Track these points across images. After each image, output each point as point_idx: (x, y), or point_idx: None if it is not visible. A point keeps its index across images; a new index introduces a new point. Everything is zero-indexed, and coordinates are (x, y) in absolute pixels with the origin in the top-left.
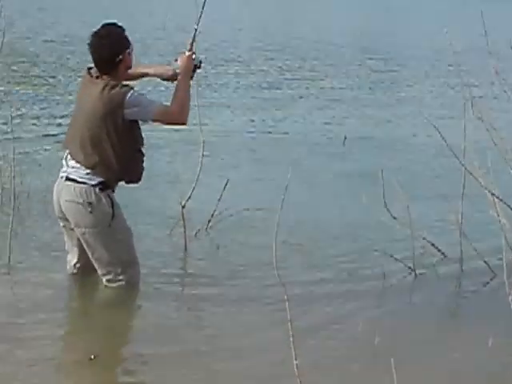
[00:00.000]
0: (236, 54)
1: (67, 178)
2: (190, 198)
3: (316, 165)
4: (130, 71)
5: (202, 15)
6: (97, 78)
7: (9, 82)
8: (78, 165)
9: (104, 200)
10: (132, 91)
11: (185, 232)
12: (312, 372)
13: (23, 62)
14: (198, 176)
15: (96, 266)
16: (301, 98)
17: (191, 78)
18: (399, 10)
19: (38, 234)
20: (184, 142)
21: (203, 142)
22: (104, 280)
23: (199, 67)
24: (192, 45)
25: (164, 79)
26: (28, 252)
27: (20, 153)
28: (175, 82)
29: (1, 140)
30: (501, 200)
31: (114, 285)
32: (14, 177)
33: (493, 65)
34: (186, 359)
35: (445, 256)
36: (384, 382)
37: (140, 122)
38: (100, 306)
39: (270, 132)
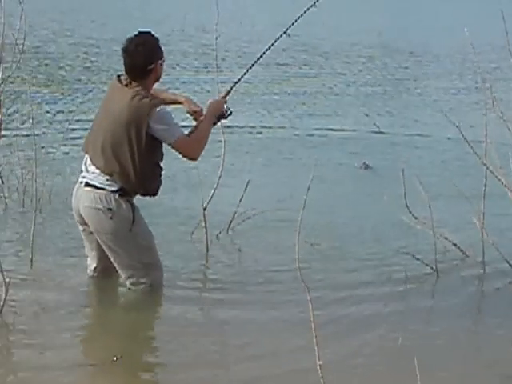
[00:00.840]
0: (255, 50)
1: (87, 184)
2: (211, 199)
3: (338, 164)
4: (162, 94)
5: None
6: (126, 85)
7: (33, 85)
8: (98, 171)
9: (124, 206)
10: (163, 107)
11: (206, 234)
12: (335, 373)
13: (46, 64)
14: (220, 177)
15: (118, 269)
16: (323, 95)
17: (214, 124)
18: (416, 9)
19: (60, 236)
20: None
21: (224, 142)
22: (128, 283)
23: (226, 117)
24: (228, 93)
25: (190, 114)
26: (50, 255)
27: (42, 154)
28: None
29: (23, 141)
30: None
31: (137, 288)
32: (36, 179)
33: None
34: (207, 363)
35: (467, 256)
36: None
37: None
38: (121, 309)
39: (292, 131)
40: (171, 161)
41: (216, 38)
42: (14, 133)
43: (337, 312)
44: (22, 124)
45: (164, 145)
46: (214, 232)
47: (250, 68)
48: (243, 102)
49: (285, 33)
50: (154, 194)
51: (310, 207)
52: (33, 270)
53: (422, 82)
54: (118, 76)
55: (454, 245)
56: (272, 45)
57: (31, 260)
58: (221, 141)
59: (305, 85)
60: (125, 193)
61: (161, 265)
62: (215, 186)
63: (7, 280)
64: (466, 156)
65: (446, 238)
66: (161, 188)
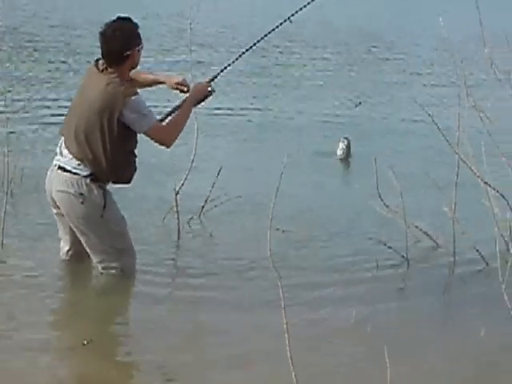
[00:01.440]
0: (238, 40)
1: (59, 167)
2: (183, 184)
3: (312, 152)
4: (141, 76)
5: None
6: (102, 71)
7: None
8: (71, 155)
9: (96, 191)
10: (138, 96)
11: (178, 219)
12: (304, 359)
13: (26, 45)
14: (192, 163)
15: (90, 253)
16: (302, 82)
17: (197, 104)
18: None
19: (31, 218)
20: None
21: (197, 130)
22: (99, 267)
23: (209, 96)
24: (215, 78)
25: (175, 88)
26: (21, 237)
27: (14, 135)
28: (182, 95)
29: None
30: (493, 189)
31: (108, 272)
32: (7, 162)
33: (487, 53)
34: (176, 346)
35: (438, 245)
36: (378, 372)
37: None
38: (93, 293)
39: (268, 114)
40: (143, 144)
41: (190, 24)
42: None
43: (308, 299)
44: None
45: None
46: (186, 217)
47: (241, 56)
48: (222, 87)
49: (280, 25)
50: (127, 182)
51: (282, 194)
52: (3, 253)
53: (400, 70)
54: (96, 60)
55: (425, 234)
56: (266, 35)
57: (1, 242)
58: (193, 124)
59: (283, 71)
60: (97, 178)
61: (133, 250)
62: (187, 171)
63: None
64: (439, 145)
65: (417, 227)
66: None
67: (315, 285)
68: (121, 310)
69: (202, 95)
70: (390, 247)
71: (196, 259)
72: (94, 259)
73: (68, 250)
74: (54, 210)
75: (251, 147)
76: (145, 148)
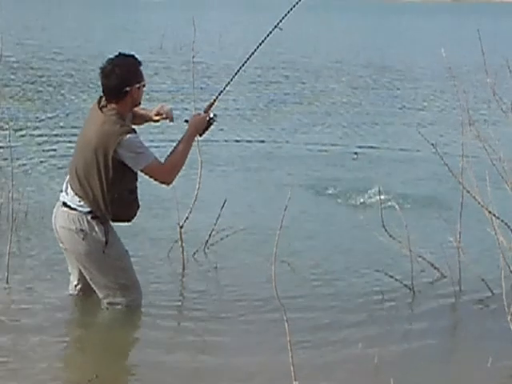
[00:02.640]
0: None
1: (64, 204)
2: (187, 218)
3: (316, 182)
4: (139, 112)
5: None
6: (103, 107)
7: (11, 97)
8: (73, 192)
9: (97, 228)
10: (132, 134)
11: (183, 253)
12: None
13: (30, 81)
14: (196, 197)
15: (95, 289)
16: (307, 114)
17: (201, 134)
18: (398, 29)
19: (36, 253)
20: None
21: (201, 163)
22: (104, 303)
23: (212, 124)
24: (211, 105)
25: (156, 121)
26: (26, 272)
27: (18, 170)
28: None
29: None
30: (498, 218)
31: (113, 308)
32: (12, 197)
33: (490, 84)
34: (183, 381)
35: (443, 275)
36: None
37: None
38: (99, 328)
39: (272, 146)
40: (145, 179)
41: (193, 56)
42: None
43: (313, 331)
44: None
45: None
46: (191, 251)
47: (234, 76)
48: (224, 120)
49: (269, 33)
50: (127, 221)
51: (287, 226)
52: (8, 288)
53: (405, 100)
54: (100, 97)
55: (431, 264)
56: (256, 49)
57: (7, 278)
58: (196, 157)
59: (291, 103)
60: (97, 215)
61: (138, 286)
62: (192, 204)
63: None
64: (444, 175)
65: (422, 258)
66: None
67: (320, 318)
68: (126, 347)
69: (203, 125)
70: (395, 278)
71: (201, 293)
72: (100, 294)
73: (76, 285)
74: (62, 246)
75: (256, 178)
76: (147, 180)
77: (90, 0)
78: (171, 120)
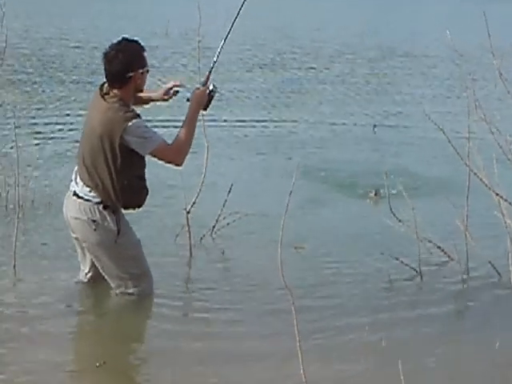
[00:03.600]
0: (241, 55)
1: (74, 193)
2: (194, 203)
3: (321, 165)
4: (146, 94)
5: (221, 50)
6: (106, 94)
7: (14, 84)
8: (82, 182)
9: (109, 217)
10: (137, 119)
11: (190, 238)
12: (320, 378)
13: (32, 68)
14: (203, 182)
15: (107, 278)
16: (318, 96)
17: (206, 108)
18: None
19: (42, 241)
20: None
21: (208, 148)
22: (117, 292)
23: (213, 96)
24: (208, 79)
25: (165, 99)
26: (33, 260)
27: (24, 156)
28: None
29: (5, 145)
30: (506, 200)
31: (125, 297)
32: (18, 184)
33: (496, 65)
34: (191, 370)
35: (450, 258)
36: None
37: None
38: (108, 316)
39: (279, 131)
40: (151, 163)
41: (199, 42)
42: None
43: (320, 316)
44: (4, 126)
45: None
46: (198, 236)
47: (222, 48)
48: (230, 102)
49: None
50: (137, 207)
51: (293, 210)
52: (16, 276)
53: (410, 81)
54: (102, 85)
55: (438, 247)
56: (235, 19)
57: (14, 266)
58: (203, 140)
59: (295, 87)
60: (108, 204)
61: (150, 275)
62: (199, 189)
63: None
64: (450, 157)
65: (429, 241)
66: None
67: (327, 302)
68: (134, 334)
69: (204, 99)
70: (402, 261)
71: (208, 280)
72: (112, 284)
73: (87, 273)
74: (73, 235)
75: (263, 161)
76: (153, 166)
77: None
78: (183, 86)
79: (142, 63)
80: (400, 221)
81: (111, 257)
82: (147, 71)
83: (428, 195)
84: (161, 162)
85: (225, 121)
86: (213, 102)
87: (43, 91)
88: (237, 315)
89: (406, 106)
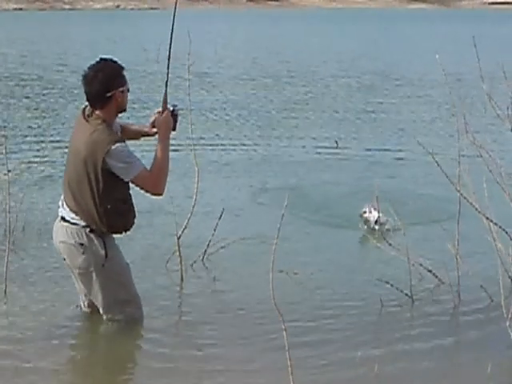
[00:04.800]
0: (238, 78)
1: (62, 218)
2: (185, 228)
3: (311, 188)
4: (131, 127)
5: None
6: (88, 116)
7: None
8: (68, 207)
9: (96, 241)
10: (120, 143)
11: (181, 263)
12: None
13: (26, 91)
14: (194, 207)
15: (95, 303)
16: (300, 120)
17: (174, 129)
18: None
19: (34, 268)
20: (179, 169)
21: (198, 172)
22: (104, 318)
23: (177, 116)
24: (165, 102)
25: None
26: (24, 287)
27: (15, 181)
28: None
29: None
30: (496, 224)
31: (113, 323)
32: (8, 211)
33: (485, 90)
34: None
35: (442, 282)
36: None
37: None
38: (97, 344)
39: (268, 154)
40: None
41: (188, 67)
42: None
43: (312, 341)
44: None
45: None
46: (189, 262)
47: (168, 63)
48: (217, 126)
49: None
50: (123, 231)
51: (284, 235)
52: (7, 303)
53: (402, 107)
54: (85, 107)
55: (429, 271)
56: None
57: (5, 291)
58: (192, 165)
59: (283, 111)
60: (93, 228)
61: (138, 300)
62: (189, 214)
63: None
64: (441, 182)
65: (420, 265)
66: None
67: (319, 327)
68: (125, 362)
69: (170, 122)
70: (394, 286)
71: (199, 305)
72: (100, 310)
73: (84, 301)
74: (64, 262)
75: (254, 184)
76: (144, 193)
77: (88, 16)
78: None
79: (121, 82)
80: (390, 245)
81: (99, 281)
82: (128, 90)
83: (418, 220)
84: (141, 190)
85: (215, 144)
86: (189, 124)
87: (35, 114)
88: (228, 341)
89: (398, 129)
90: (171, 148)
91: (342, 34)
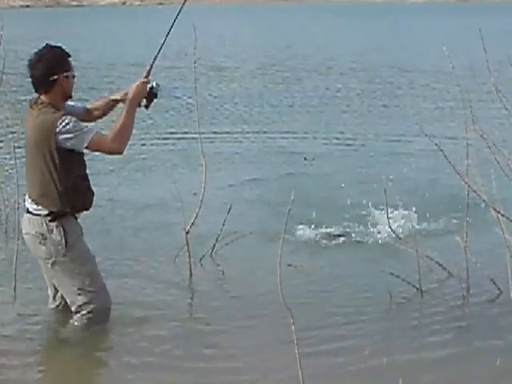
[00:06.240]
0: (240, 73)
1: (27, 210)
2: (193, 223)
3: (320, 181)
4: (98, 102)
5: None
6: (34, 104)
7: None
8: (29, 198)
9: (55, 230)
10: (64, 117)
11: (189, 258)
12: None
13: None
14: (201, 201)
15: (63, 295)
16: (319, 112)
17: (147, 106)
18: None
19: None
20: (186, 162)
21: (205, 167)
22: (72, 309)
23: (156, 95)
24: (149, 72)
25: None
26: (33, 282)
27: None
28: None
29: (5, 169)
30: (503, 216)
31: (80, 315)
32: (17, 208)
33: (493, 82)
34: None
35: (451, 274)
36: None
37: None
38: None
39: (273, 148)
40: (149, 185)
41: (194, 62)
42: None
43: (320, 334)
44: (4, 150)
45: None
46: (198, 256)
47: (164, 41)
48: (225, 121)
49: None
50: (86, 209)
51: (291, 227)
52: (16, 299)
53: (409, 99)
54: (30, 100)
55: (438, 263)
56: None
57: (14, 288)
58: (199, 159)
59: (295, 103)
60: (56, 216)
61: (105, 289)
62: (197, 209)
63: None
64: (449, 175)
65: (429, 257)
66: (94, 201)
67: (327, 320)
68: (133, 357)
69: (141, 93)
70: (402, 279)
71: (208, 301)
72: (67, 300)
73: (54, 296)
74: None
75: (262, 177)
76: (150, 186)
77: (95, 12)
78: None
79: (65, 67)
80: (398, 237)
81: (62, 271)
82: (73, 76)
83: (425, 213)
84: (103, 155)
85: (224, 133)
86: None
87: None
88: (237, 336)
89: (402, 122)
90: (179, 138)
91: (352, 27)
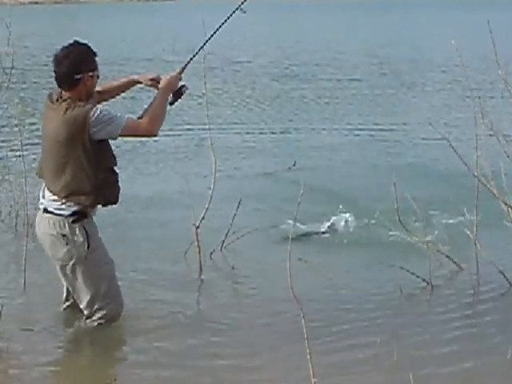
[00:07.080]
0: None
1: (45, 210)
2: (203, 218)
3: (330, 175)
4: (112, 84)
5: (204, 46)
6: (57, 100)
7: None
8: (53, 196)
9: (78, 232)
10: (95, 108)
11: (199, 253)
12: None
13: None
14: (212, 196)
15: (76, 298)
16: (328, 106)
17: (172, 103)
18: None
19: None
20: (196, 156)
21: (215, 162)
22: (85, 313)
23: (182, 95)
24: (184, 69)
25: (149, 85)
26: (43, 278)
27: (33, 176)
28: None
29: (13, 166)
30: None
31: (89, 320)
32: (26, 203)
33: (502, 76)
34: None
35: (461, 268)
36: None
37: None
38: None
39: (284, 141)
40: (158, 180)
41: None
42: (4, 154)
43: (330, 328)
44: (13, 146)
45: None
46: (208, 251)
47: (204, 44)
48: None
49: (233, 13)
50: (115, 202)
51: (302, 222)
52: (26, 294)
53: (417, 92)
54: (50, 94)
55: (448, 257)
56: (226, 20)
57: (24, 284)
58: (211, 158)
59: (297, 90)
60: (80, 217)
61: (120, 295)
62: (207, 204)
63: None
64: (458, 168)
65: (439, 251)
66: (120, 194)
67: (337, 314)
68: (140, 354)
69: (174, 85)
70: (412, 272)
71: (218, 296)
72: (80, 304)
73: (67, 296)
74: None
75: (271, 171)
76: (160, 182)
77: (103, 9)
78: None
79: (90, 66)
80: (408, 231)
81: (79, 274)
82: (97, 76)
83: (435, 207)
84: (138, 139)
85: (234, 125)
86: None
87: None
88: (247, 331)
89: (411, 115)
90: (188, 131)
91: (361, 23)
